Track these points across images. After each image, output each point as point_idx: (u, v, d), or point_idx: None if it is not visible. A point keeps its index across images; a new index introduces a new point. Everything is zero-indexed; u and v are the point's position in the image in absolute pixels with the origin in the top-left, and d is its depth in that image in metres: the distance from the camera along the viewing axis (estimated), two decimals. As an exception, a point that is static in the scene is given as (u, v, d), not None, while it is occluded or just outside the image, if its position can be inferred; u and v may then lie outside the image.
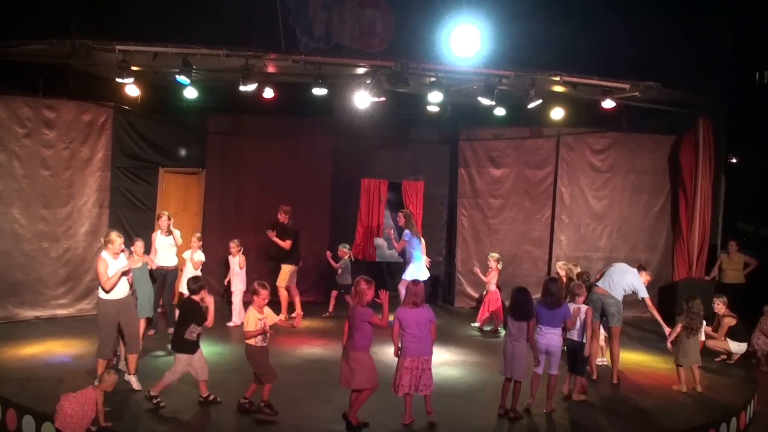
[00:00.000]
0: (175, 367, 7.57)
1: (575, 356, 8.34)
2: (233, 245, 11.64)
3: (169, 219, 10.59)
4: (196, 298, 7.67)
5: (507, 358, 7.65)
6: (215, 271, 12.76)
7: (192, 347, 7.60)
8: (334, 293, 12.64)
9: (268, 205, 13.53)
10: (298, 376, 8.70)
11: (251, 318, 7.41)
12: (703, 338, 9.64)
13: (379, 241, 14.24)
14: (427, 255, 11.92)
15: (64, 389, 7.30)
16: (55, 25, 9.37)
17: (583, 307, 8.43)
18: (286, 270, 11.90)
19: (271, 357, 9.60)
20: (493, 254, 12.30)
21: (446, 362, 9.78)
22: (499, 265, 12.11)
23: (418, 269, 11.59)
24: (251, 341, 7.44)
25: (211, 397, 7.72)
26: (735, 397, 8.82)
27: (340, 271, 12.47)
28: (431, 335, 7.35)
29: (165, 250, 10.57)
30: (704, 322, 9.87)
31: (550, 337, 7.88)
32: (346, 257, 12.51)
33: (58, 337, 10.21)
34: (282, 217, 11.93)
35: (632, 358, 10.50)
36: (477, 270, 12.53)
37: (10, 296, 11.06)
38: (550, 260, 13.79)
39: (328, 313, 12.54)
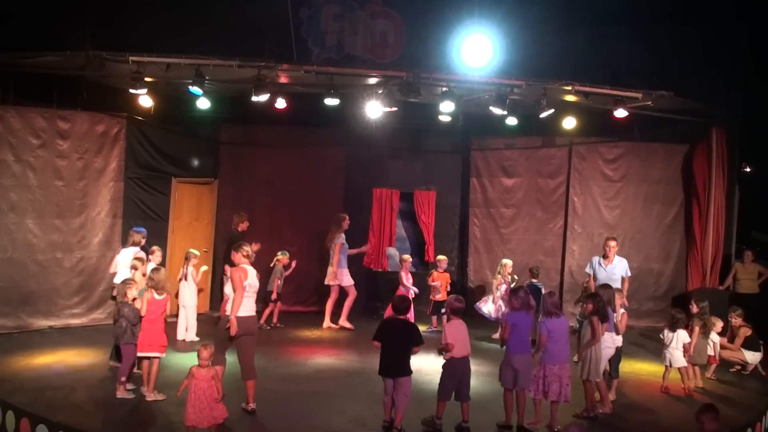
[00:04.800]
0: (403, 392, 7.21)
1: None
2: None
3: (143, 237, 9.98)
4: (401, 317, 7.42)
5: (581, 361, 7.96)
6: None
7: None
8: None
9: (280, 215, 13.61)
10: (311, 385, 8.70)
11: None
12: (712, 353, 9.66)
13: (392, 251, 14.21)
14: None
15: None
16: (69, 37, 9.46)
17: (621, 310, 8.82)
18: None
19: (284, 367, 9.67)
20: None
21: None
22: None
23: (348, 275, 12.06)
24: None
25: None
26: (750, 407, 8.77)
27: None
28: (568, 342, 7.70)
29: (126, 266, 9.36)
30: (717, 337, 9.87)
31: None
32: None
33: (72, 346, 10.24)
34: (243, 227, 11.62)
35: (646, 368, 10.44)
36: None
37: (24, 306, 11.10)
38: (563, 270, 13.75)
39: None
